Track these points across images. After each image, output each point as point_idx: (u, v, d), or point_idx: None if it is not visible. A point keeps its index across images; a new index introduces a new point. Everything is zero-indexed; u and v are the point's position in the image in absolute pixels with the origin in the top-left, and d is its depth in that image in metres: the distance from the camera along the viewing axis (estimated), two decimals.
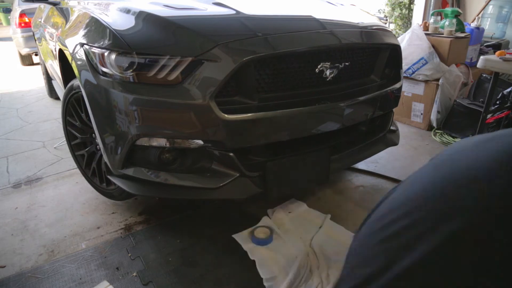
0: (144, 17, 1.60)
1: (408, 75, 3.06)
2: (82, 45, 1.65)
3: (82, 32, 1.73)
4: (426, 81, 3.02)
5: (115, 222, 2.04)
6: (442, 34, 3.05)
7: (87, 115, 1.91)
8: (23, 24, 5.87)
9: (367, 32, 1.83)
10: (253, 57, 1.43)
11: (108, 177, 1.76)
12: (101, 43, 1.57)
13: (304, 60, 1.61)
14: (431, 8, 4.56)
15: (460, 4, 4.52)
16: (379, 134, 2.04)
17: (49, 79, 4.16)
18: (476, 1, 4.45)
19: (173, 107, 1.45)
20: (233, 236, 1.85)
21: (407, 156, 2.75)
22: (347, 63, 1.74)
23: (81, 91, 1.83)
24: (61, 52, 2.10)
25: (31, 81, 5.64)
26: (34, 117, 3.89)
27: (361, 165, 2.59)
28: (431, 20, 3.11)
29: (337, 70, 1.71)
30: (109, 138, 1.63)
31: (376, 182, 2.39)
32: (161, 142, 1.53)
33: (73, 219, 2.08)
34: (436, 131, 3.06)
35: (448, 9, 3.11)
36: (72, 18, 2.00)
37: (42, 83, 4.93)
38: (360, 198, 2.21)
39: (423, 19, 4.58)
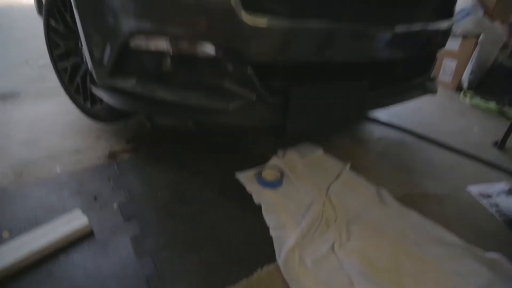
0: None
1: None
2: None
3: None
4: (464, 36, 2.67)
5: (98, 147, 1.74)
6: None
7: (72, 17, 1.56)
8: None
9: None
10: None
11: (92, 88, 1.44)
12: None
13: None
14: None
15: None
16: (420, 78, 1.72)
17: None
18: None
19: None
20: (236, 175, 1.57)
21: (434, 114, 2.45)
22: None
23: None
24: None
25: None
26: (20, 33, 3.49)
27: (384, 115, 2.29)
28: None
29: None
30: (96, 38, 1.29)
31: (400, 136, 2.10)
32: (162, 45, 1.19)
33: (50, 141, 1.77)
34: (467, 92, 2.74)
35: None
36: None
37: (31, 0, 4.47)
38: (383, 150, 1.92)
39: None
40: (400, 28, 1.41)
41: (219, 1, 1.09)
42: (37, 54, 2.90)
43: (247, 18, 1.10)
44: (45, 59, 2.75)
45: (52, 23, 1.73)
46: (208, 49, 1.17)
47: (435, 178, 1.68)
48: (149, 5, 1.13)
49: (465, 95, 2.72)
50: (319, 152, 1.83)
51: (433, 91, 1.78)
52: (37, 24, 3.79)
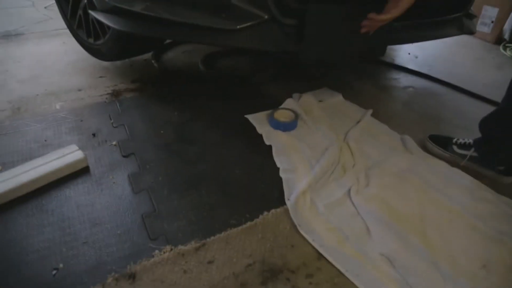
0: None
1: None
2: None
3: None
4: None
5: (101, 86, 1.63)
6: None
7: None
8: None
9: None
10: None
11: (90, 12, 1.31)
12: None
13: None
14: None
15: None
16: (457, 13, 1.50)
17: None
18: None
19: None
20: (246, 116, 1.44)
21: (468, 65, 2.22)
22: None
23: None
24: None
25: None
26: None
27: (412, 65, 2.09)
28: None
29: None
30: None
31: (429, 86, 1.90)
32: None
33: (51, 79, 1.67)
34: (507, 44, 2.48)
35: None
36: None
37: None
38: (410, 99, 1.74)
39: None
40: None
41: None
42: None
43: None
44: (51, 1, 2.64)
45: None
46: None
47: (467, 128, 1.51)
48: None
49: (505, 48, 2.46)
50: (338, 97, 1.67)
51: (471, 30, 1.57)
52: None
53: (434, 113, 1.63)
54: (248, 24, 1.08)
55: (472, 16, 1.65)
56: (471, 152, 1.26)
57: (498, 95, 1.33)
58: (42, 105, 1.47)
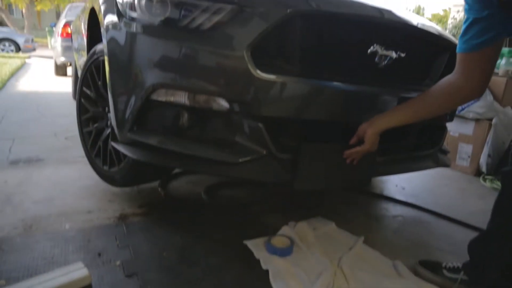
0: None
1: (457, 112, 2.78)
2: None
3: None
4: (476, 120, 2.72)
5: (110, 209, 1.75)
6: (497, 73, 2.80)
7: (104, 84, 1.71)
8: (64, 34, 6.01)
9: (427, 25, 1.60)
10: (300, 10, 1.21)
11: (112, 144, 1.51)
12: None
13: (355, 35, 1.38)
14: None
15: None
16: (431, 149, 1.73)
17: (77, 79, 4.09)
18: None
19: (202, 54, 1.22)
20: (245, 242, 1.52)
21: (452, 196, 2.38)
22: (402, 54, 1.49)
23: (102, 56, 1.65)
24: (91, 13, 1.95)
25: (60, 87, 5.65)
26: (53, 112, 3.77)
27: (399, 196, 2.25)
28: None
29: (390, 59, 1.46)
30: (122, 95, 1.40)
31: (417, 214, 2.03)
32: (180, 98, 1.27)
33: (64, 200, 1.80)
34: (486, 176, 2.69)
35: (505, 49, 2.89)
36: None
37: (69, 89, 4.91)
38: (400, 227, 1.85)
39: None
40: (408, 94, 1.48)
41: (235, 61, 1.19)
42: (65, 129, 3.09)
43: (259, 76, 1.19)
44: (72, 132, 2.94)
45: (85, 89, 1.89)
46: (222, 104, 1.25)
47: (455, 253, 1.58)
48: (171, 63, 1.25)
49: (484, 179, 2.67)
50: (331, 225, 1.78)
51: (445, 164, 1.77)
52: (70, 106, 4.10)
53: (423, 240, 1.71)
54: (249, 158, 1.26)
55: (445, 152, 1.88)
56: (461, 276, 1.31)
57: (482, 222, 1.44)
58: (54, 225, 1.56)
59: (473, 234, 1.40)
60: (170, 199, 1.93)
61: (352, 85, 1.37)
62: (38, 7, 19.81)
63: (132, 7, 1.35)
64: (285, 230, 1.64)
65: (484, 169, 2.72)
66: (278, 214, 1.85)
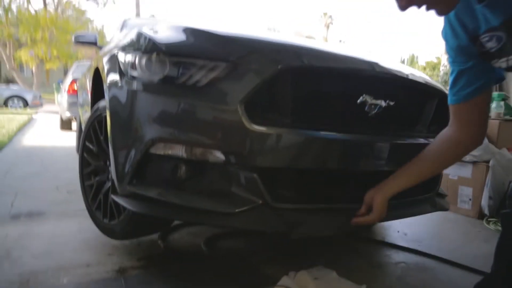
0: (184, 29, 1.54)
1: None
2: (116, 53, 1.58)
3: (119, 43, 1.68)
4: (474, 162, 2.74)
5: (109, 263, 1.74)
6: (490, 116, 2.87)
7: (106, 138, 1.78)
8: (71, 91, 6.25)
9: (415, 75, 1.68)
10: (290, 66, 1.29)
11: (112, 196, 1.53)
12: (135, 48, 1.49)
13: (345, 86, 1.45)
14: None
15: (504, 91, 4.43)
16: (427, 193, 1.74)
17: (81, 134, 4.19)
18: None
19: (198, 110, 1.29)
20: None
21: (455, 239, 2.35)
22: (391, 103, 1.55)
23: (105, 113, 1.72)
24: (96, 72, 2.06)
25: (65, 142, 5.77)
26: (57, 167, 3.83)
27: (402, 242, 2.22)
28: None
29: (380, 108, 1.52)
30: (123, 148, 1.45)
31: (420, 260, 1.99)
32: (178, 151, 1.32)
33: (63, 254, 1.79)
34: (489, 219, 2.67)
35: (495, 93, 2.98)
36: (111, 43, 2.00)
37: (73, 143, 5.00)
38: (403, 274, 1.81)
39: None
40: (401, 140, 1.52)
41: (229, 115, 1.25)
42: (68, 183, 3.13)
43: (253, 129, 1.24)
44: (74, 186, 2.97)
45: (88, 144, 1.95)
46: (219, 156, 1.29)
47: None
48: (169, 118, 1.31)
49: (488, 222, 2.64)
50: (332, 274, 1.74)
51: (443, 207, 1.78)
52: (73, 161, 4.16)
53: (427, 287, 1.67)
54: (245, 208, 1.28)
55: (443, 195, 1.89)
56: None
57: (487, 266, 1.42)
58: (51, 279, 1.55)
59: (478, 278, 1.38)
60: (170, 251, 1.92)
61: (343, 134, 1.42)
62: (47, 66, 20.67)
63: (133, 66, 1.44)
64: (285, 280, 1.62)
65: (486, 211, 2.70)
66: (278, 264, 1.83)
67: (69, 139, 6.06)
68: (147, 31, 1.57)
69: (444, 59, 15.43)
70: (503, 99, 2.97)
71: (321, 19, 38.16)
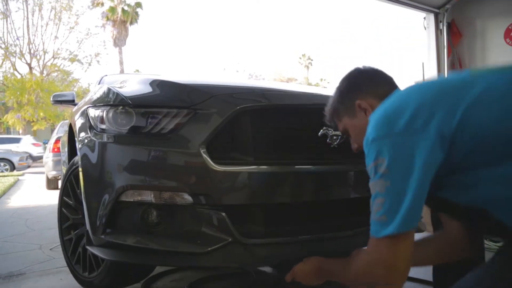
0: (151, 82, 1.64)
1: None
2: (86, 109, 1.66)
3: (90, 100, 1.77)
4: None
5: None
6: None
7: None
8: (56, 149, 6.28)
9: None
10: (248, 107, 1.38)
11: (88, 248, 1.55)
12: (104, 103, 1.58)
13: (304, 121, 1.54)
14: None
15: None
16: None
17: None
18: None
19: (164, 155, 1.36)
20: None
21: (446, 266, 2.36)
22: None
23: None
24: (70, 127, 2.13)
25: (51, 200, 5.71)
26: (41, 225, 3.79)
27: None
28: None
29: (342, 138, 1.60)
30: (95, 199, 1.49)
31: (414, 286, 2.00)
32: (147, 197, 1.37)
33: None
34: None
35: None
36: (85, 98, 2.09)
37: None
38: None
39: None
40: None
41: (193, 157, 1.32)
42: (51, 241, 3.10)
43: (216, 169, 1.31)
44: (57, 243, 2.94)
45: (65, 198, 1.98)
46: (186, 198, 1.34)
47: None
48: (137, 166, 1.38)
49: None
50: None
51: (419, 229, 1.82)
52: None
53: None
54: (216, 246, 1.32)
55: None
56: None
57: None
58: None
59: None
60: None
61: (306, 166, 1.49)
62: (35, 127, 20.79)
63: (101, 120, 1.51)
64: None
65: None
66: None
67: (54, 197, 6.01)
68: (116, 86, 1.66)
69: None
70: None
71: (301, 61, 39.54)
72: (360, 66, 1.20)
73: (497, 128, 0.82)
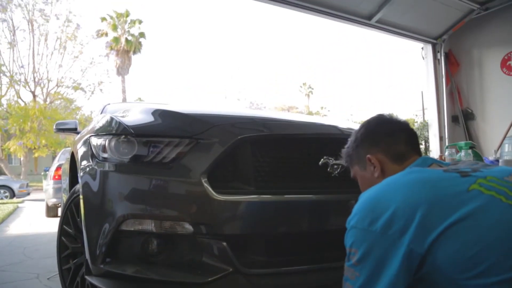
0: (153, 112, 1.67)
1: None
2: (88, 138, 1.68)
3: (92, 128, 1.79)
4: None
5: None
6: None
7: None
8: (56, 177, 6.28)
9: None
10: (248, 136, 1.40)
11: (86, 277, 1.53)
12: (106, 132, 1.60)
13: (305, 150, 1.56)
14: (446, 142, 4.83)
15: (472, 140, 4.67)
16: None
17: None
18: (489, 138, 4.55)
19: (165, 185, 1.37)
20: None
21: None
22: None
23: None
24: (72, 156, 2.14)
25: (50, 228, 5.66)
26: (39, 254, 3.74)
27: None
28: (446, 153, 3.10)
29: (343, 167, 1.61)
30: (95, 227, 1.48)
31: None
32: (148, 226, 1.37)
33: None
34: None
35: (462, 142, 3.13)
36: (88, 127, 2.12)
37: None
38: None
39: (440, 152, 4.68)
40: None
41: (194, 187, 1.33)
42: (49, 270, 3.05)
43: (217, 198, 1.32)
44: (55, 272, 2.90)
45: (65, 227, 1.97)
46: (187, 227, 1.34)
47: None
48: (138, 194, 1.39)
49: None
50: None
51: None
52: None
53: None
54: (217, 276, 1.31)
55: None
56: None
57: None
58: None
59: None
60: None
61: (308, 196, 1.49)
62: (36, 154, 20.83)
63: (104, 149, 1.53)
64: None
65: None
66: None
67: (54, 225, 5.96)
68: (118, 115, 1.69)
69: (417, 118, 16.17)
70: (471, 147, 3.12)
71: (301, 89, 40.08)
72: (385, 114, 1.15)
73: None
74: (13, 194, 13.39)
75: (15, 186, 13.63)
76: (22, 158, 21.19)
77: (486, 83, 4.90)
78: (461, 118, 5.03)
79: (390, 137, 1.08)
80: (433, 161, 1.04)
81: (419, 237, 0.78)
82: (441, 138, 4.95)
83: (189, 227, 1.34)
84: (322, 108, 37.37)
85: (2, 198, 13.00)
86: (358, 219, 0.88)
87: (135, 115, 1.70)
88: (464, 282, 0.76)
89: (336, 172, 1.61)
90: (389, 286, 0.80)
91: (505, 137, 4.25)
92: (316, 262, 1.47)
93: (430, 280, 0.82)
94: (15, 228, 5.91)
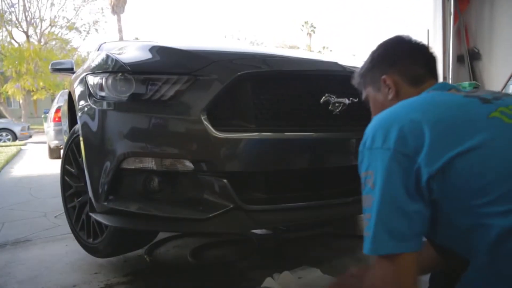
0: (150, 48, 1.61)
1: None
2: (85, 76, 1.64)
3: (88, 67, 1.74)
4: None
5: (95, 281, 1.76)
6: None
7: None
8: (57, 119, 6.28)
9: None
10: (248, 73, 1.36)
11: (91, 214, 1.57)
12: (103, 70, 1.55)
13: (306, 87, 1.52)
14: (450, 82, 4.68)
15: (477, 80, 4.58)
16: None
17: None
18: (495, 79, 4.48)
19: (164, 122, 1.35)
20: None
21: None
22: (355, 99, 1.62)
23: None
24: (69, 95, 2.11)
25: (53, 169, 5.77)
26: (45, 193, 3.85)
27: None
28: None
29: (344, 105, 1.58)
30: (97, 167, 1.50)
31: None
32: (148, 164, 1.37)
33: (49, 277, 1.81)
34: None
35: (466, 83, 3.09)
36: (84, 65, 2.06)
37: None
38: None
39: None
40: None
41: (194, 124, 1.31)
42: (56, 209, 3.14)
43: (218, 135, 1.31)
44: (62, 211, 2.99)
45: (67, 167, 1.99)
46: (188, 165, 1.34)
47: None
48: (138, 133, 1.38)
49: None
50: (317, 273, 1.78)
51: None
52: None
53: None
54: (217, 213, 1.34)
55: None
56: None
57: None
58: None
59: None
60: (156, 265, 1.94)
61: (308, 134, 1.48)
62: (35, 97, 20.68)
63: (101, 87, 1.49)
64: (268, 282, 1.65)
65: None
66: (264, 268, 1.86)
67: (57, 166, 6.06)
68: (115, 53, 1.63)
69: None
70: (475, 87, 3.07)
71: (303, 28, 38.70)
72: (404, 35, 1.07)
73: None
74: (15, 137, 13.50)
75: (17, 129, 13.70)
76: (21, 101, 21.09)
77: (496, 22, 4.69)
78: (467, 57, 4.88)
79: (408, 58, 1.02)
80: (452, 87, 0.99)
81: (431, 157, 0.77)
82: (445, 78, 4.84)
83: (189, 165, 1.35)
84: (324, 48, 36.34)
85: (4, 141, 13.13)
86: (371, 140, 0.86)
87: (132, 52, 1.64)
88: (476, 210, 0.76)
89: (338, 110, 1.59)
90: (405, 205, 0.79)
91: (510, 78, 4.17)
92: (315, 199, 1.50)
93: (442, 207, 0.81)
94: (20, 169, 6.03)
